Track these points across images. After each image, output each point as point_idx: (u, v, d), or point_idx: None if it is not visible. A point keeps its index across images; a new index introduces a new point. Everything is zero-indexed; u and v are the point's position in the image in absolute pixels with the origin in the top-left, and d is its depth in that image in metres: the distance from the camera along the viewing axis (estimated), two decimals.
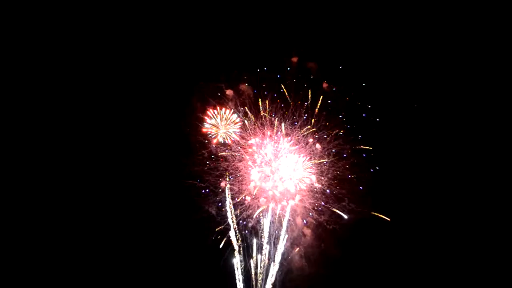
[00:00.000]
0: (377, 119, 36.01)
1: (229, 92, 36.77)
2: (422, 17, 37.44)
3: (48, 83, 38.74)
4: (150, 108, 38.70)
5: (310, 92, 36.19)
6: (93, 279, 37.22)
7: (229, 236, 36.75)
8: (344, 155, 35.85)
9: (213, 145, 37.19)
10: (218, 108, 36.91)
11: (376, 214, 35.12)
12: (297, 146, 36.31)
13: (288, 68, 36.78)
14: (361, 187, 35.60)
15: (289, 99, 36.28)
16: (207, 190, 37.00)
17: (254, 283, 36.64)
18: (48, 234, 37.22)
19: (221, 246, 36.62)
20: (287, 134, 36.26)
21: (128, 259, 37.21)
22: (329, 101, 36.28)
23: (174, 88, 38.16)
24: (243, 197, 36.62)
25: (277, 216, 36.61)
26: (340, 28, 36.85)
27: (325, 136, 35.93)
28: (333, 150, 35.91)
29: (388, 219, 35.06)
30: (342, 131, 35.92)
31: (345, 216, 35.27)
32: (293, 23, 37.51)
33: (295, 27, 37.33)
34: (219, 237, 36.70)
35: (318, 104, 36.17)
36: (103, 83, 39.29)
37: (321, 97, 36.13)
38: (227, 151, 37.05)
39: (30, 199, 37.56)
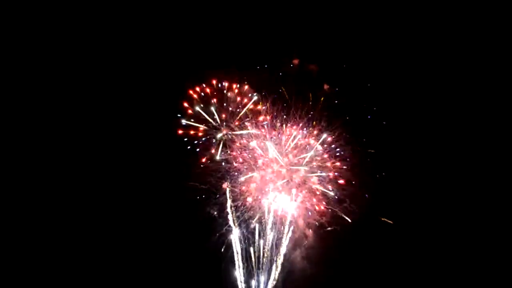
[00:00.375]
0: (384, 122, 36.02)
1: (230, 94, 36.37)
2: (426, 17, 37.08)
3: (39, 88, 38.43)
4: (151, 109, 38.35)
5: (311, 94, 36.03)
6: (94, 279, 37.09)
7: (231, 238, 36.71)
8: (347, 158, 35.74)
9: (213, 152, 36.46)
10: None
11: (378, 217, 35.20)
12: (299, 148, 36.04)
13: (291, 65, 36.50)
14: (363, 189, 35.56)
15: (289, 101, 36.07)
16: (203, 195, 36.86)
17: (256, 284, 36.70)
18: (53, 235, 37.15)
19: (222, 248, 36.65)
20: (288, 136, 35.99)
21: (130, 262, 37.09)
22: (335, 101, 36.10)
23: (176, 89, 37.56)
24: (245, 199, 36.44)
25: (278, 218, 36.51)
26: (342, 29, 36.57)
27: (328, 139, 35.75)
28: (339, 152, 35.79)
29: (391, 222, 35.24)
30: (344, 133, 35.73)
31: (349, 220, 35.38)
32: (294, 25, 37.26)
33: (296, 28, 37.12)
34: (220, 239, 36.72)
35: (320, 105, 35.92)
36: (105, 84, 39.03)
37: (322, 98, 35.88)
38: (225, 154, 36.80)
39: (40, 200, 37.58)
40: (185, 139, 36.76)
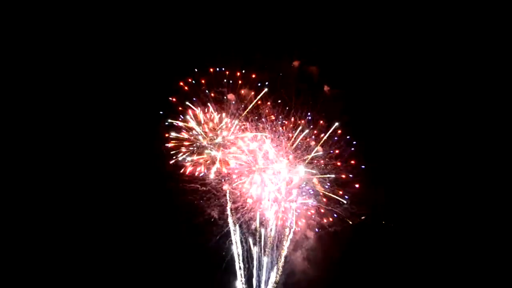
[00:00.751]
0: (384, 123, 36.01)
1: (230, 96, 36.21)
2: (426, 17, 36.91)
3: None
4: (150, 111, 38.06)
5: (312, 96, 35.92)
6: (95, 280, 37.29)
7: (231, 240, 36.73)
8: (348, 160, 35.67)
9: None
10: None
11: (379, 219, 35.26)
12: (300, 149, 36.01)
13: (292, 65, 36.45)
14: (364, 191, 35.48)
15: (290, 102, 35.92)
16: (204, 197, 36.75)
17: (256, 284, 36.77)
18: (60, 238, 37.31)
19: (223, 250, 36.69)
20: (289, 138, 35.92)
21: (131, 263, 37.20)
22: (336, 103, 35.98)
23: (176, 91, 37.32)
24: (245, 200, 36.42)
25: (279, 219, 36.50)
26: (342, 30, 36.40)
27: (329, 141, 35.72)
28: (339, 153, 35.75)
29: (391, 224, 35.28)
30: (345, 134, 35.64)
31: (349, 222, 35.38)
32: (294, 25, 37.11)
33: (296, 29, 36.93)
34: (221, 240, 36.76)
35: (319, 107, 35.92)
36: (107, 85, 38.97)
37: (321, 100, 35.87)
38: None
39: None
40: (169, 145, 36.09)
